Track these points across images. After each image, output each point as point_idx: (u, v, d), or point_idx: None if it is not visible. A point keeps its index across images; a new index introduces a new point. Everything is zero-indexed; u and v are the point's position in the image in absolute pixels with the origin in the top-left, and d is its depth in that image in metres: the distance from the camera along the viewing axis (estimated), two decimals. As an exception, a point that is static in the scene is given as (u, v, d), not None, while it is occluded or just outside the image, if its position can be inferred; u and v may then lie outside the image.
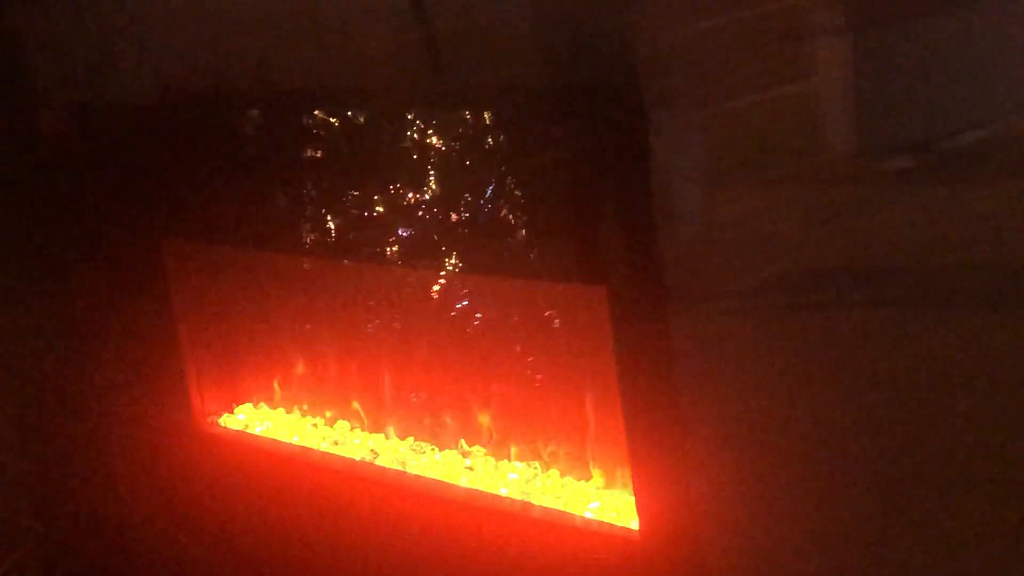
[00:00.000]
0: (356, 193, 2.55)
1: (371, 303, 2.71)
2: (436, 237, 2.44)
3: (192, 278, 2.92)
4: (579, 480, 2.40)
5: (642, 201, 2.00)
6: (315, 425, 2.84)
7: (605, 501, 2.33)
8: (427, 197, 2.44)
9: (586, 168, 2.14)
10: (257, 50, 2.55)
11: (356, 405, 2.78)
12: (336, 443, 2.75)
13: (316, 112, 2.56)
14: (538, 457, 2.46)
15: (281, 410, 2.93)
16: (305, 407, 2.89)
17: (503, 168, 2.30)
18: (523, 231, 2.29)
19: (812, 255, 1.86)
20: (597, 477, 2.37)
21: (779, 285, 1.91)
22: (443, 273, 2.52)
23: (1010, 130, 1.70)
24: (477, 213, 2.36)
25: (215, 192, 2.77)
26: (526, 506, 2.38)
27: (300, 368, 2.89)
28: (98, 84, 2.93)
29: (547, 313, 2.40)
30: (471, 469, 2.52)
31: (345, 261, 2.70)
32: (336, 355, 2.81)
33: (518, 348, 2.45)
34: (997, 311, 1.72)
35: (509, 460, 2.49)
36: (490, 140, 2.32)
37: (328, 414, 2.84)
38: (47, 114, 3.09)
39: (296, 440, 2.82)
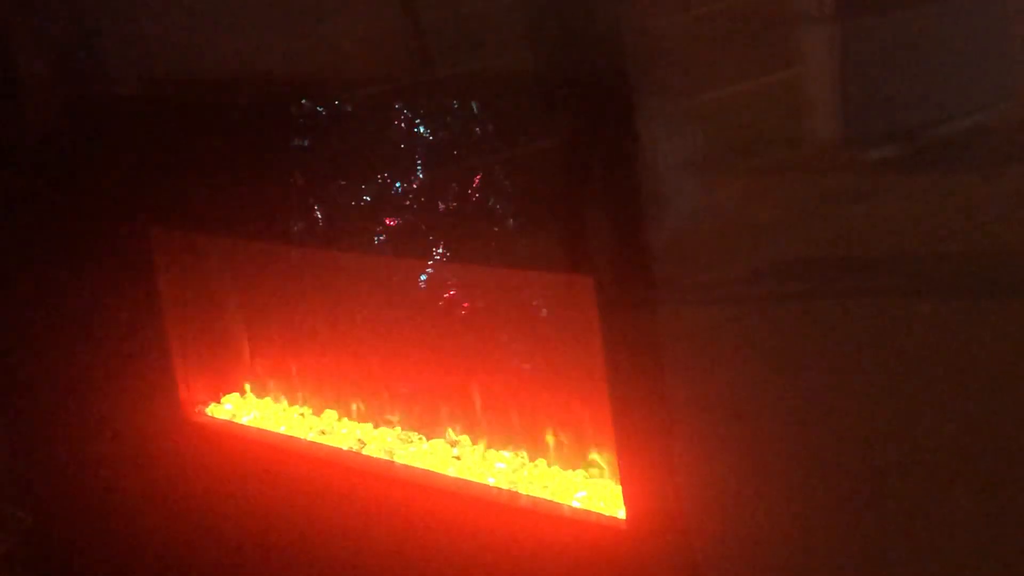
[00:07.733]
0: (343, 182, 2.54)
1: (359, 292, 2.71)
2: (424, 227, 2.44)
3: (179, 267, 2.92)
4: (566, 469, 2.40)
5: (630, 191, 2.00)
6: (302, 414, 2.84)
7: (592, 490, 2.33)
8: (415, 187, 2.43)
9: (574, 158, 2.13)
10: (245, 38, 2.55)
11: (344, 395, 2.78)
12: (323, 432, 2.75)
13: (304, 101, 2.55)
14: (525, 446, 2.46)
15: (268, 399, 2.93)
16: (292, 396, 2.89)
17: (491, 158, 2.30)
18: (511, 221, 2.28)
19: (798, 245, 1.86)
20: (584, 466, 2.38)
21: (766, 274, 1.91)
22: (431, 262, 2.52)
23: (995, 119, 1.70)
24: (465, 203, 2.36)
25: (203, 182, 2.77)
26: (513, 495, 2.38)
27: (287, 357, 2.89)
28: (85, 74, 2.92)
29: (535, 303, 2.40)
30: (458, 458, 2.52)
31: (332, 250, 2.70)
32: (324, 344, 2.80)
33: (505, 337, 2.45)
34: (984, 299, 1.72)
35: (497, 449, 2.50)
36: (478, 130, 2.32)
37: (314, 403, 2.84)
38: (34, 104, 3.08)
39: (283, 429, 2.82)
